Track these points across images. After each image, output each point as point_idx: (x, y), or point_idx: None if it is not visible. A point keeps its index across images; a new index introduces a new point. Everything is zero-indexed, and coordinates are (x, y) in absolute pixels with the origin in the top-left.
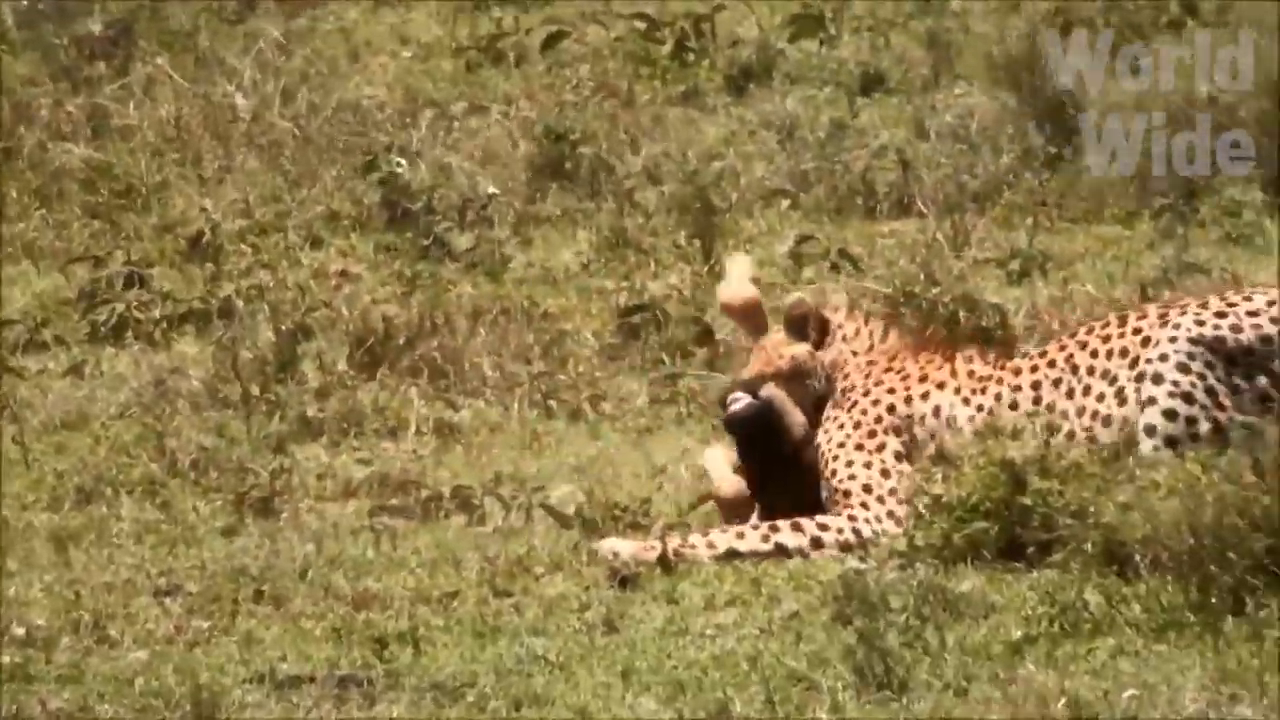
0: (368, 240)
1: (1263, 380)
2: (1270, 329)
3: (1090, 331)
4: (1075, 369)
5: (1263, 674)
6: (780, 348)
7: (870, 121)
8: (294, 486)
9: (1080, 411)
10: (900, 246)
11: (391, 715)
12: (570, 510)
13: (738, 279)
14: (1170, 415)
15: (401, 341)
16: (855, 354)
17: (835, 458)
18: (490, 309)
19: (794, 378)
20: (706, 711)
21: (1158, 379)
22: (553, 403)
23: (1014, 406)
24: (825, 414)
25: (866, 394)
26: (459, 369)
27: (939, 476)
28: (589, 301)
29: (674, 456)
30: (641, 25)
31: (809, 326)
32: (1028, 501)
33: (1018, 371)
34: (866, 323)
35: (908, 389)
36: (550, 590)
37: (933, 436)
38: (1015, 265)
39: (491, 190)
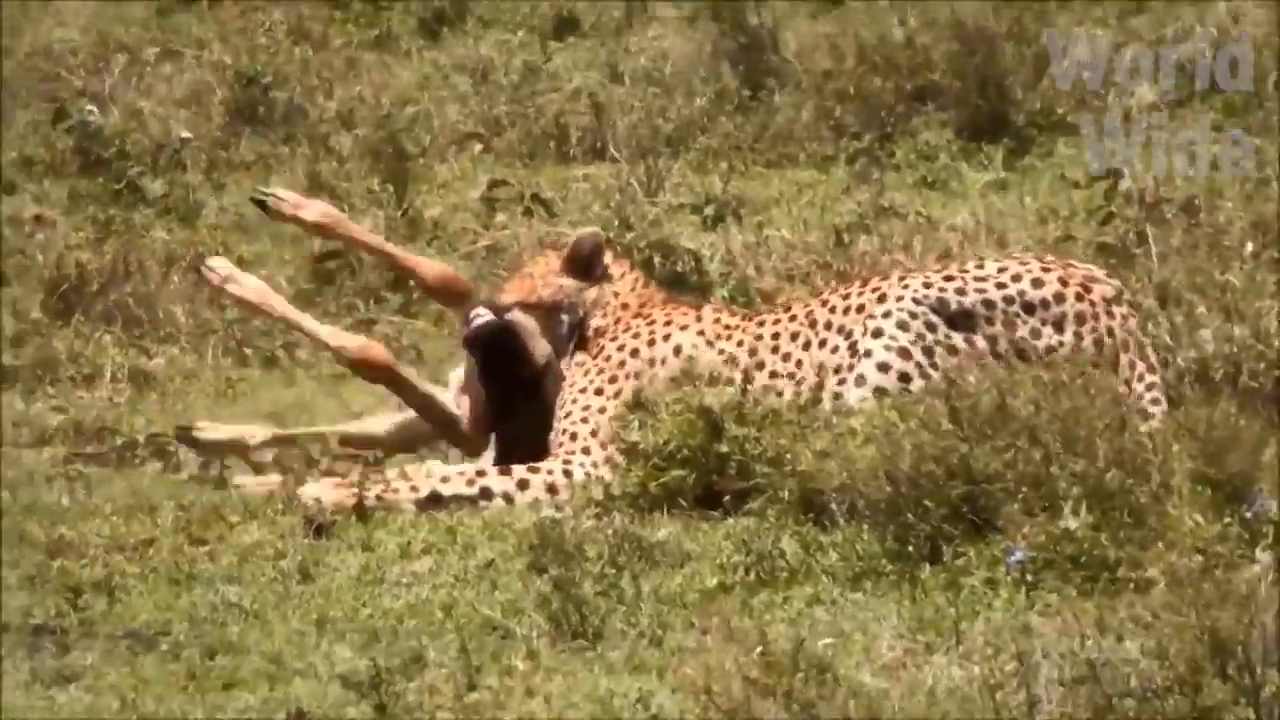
0: (61, 186)
1: (981, 342)
2: (994, 294)
3: (835, 291)
4: (814, 324)
5: (959, 623)
6: (549, 277)
7: (563, 65)
8: None
9: (816, 365)
10: (594, 191)
11: (85, 663)
12: (266, 458)
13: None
14: (883, 368)
15: (95, 288)
16: (616, 295)
17: (573, 400)
18: (184, 255)
19: (551, 310)
20: (402, 659)
21: (877, 333)
22: (247, 350)
23: (753, 353)
24: (574, 358)
25: (614, 339)
26: (153, 316)
27: (636, 424)
28: (283, 247)
29: (369, 403)
30: None
31: (594, 264)
32: (724, 449)
33: (762, 323)
34: (631, 268)
35: (651, 333)
36: (245, 538)
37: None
38: (710, 210)
39: (185, 135)
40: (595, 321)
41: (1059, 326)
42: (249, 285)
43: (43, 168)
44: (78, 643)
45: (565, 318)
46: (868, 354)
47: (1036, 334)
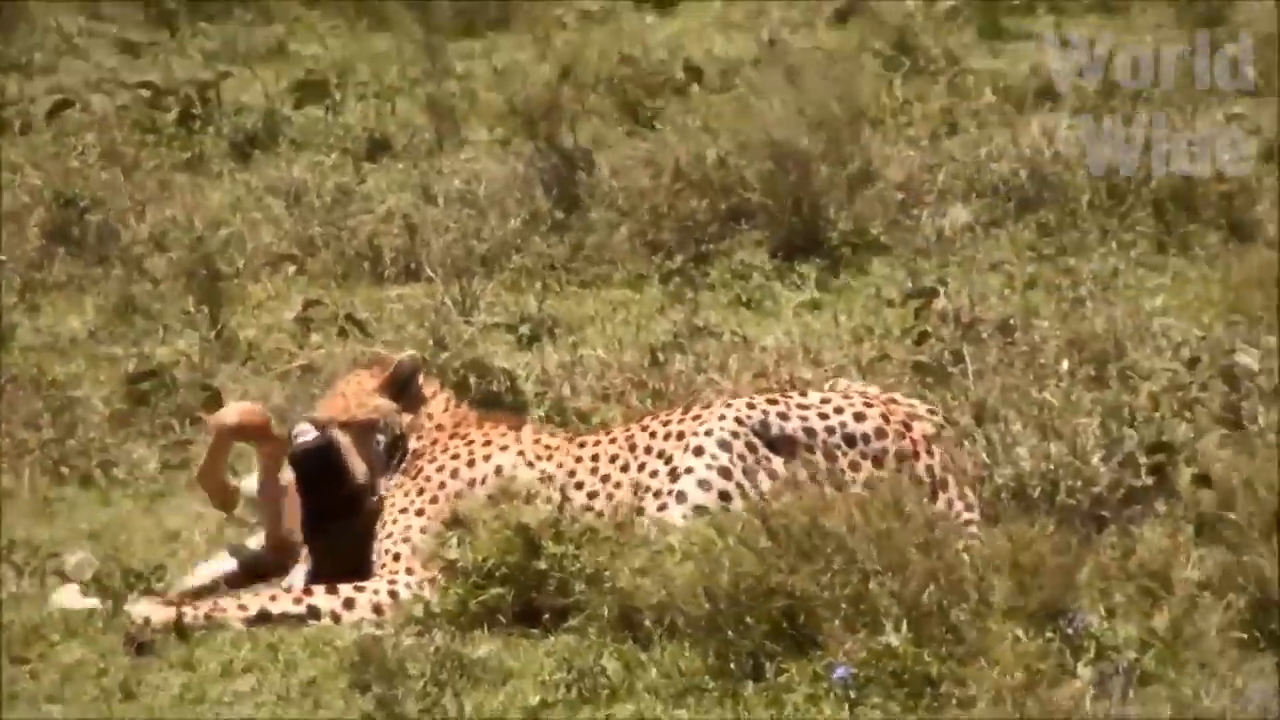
0: None
1: (801, 471)
2: (816, 423)
3: (656, 418)
4: (634, 447)
5: None
6: (363, 397)
7: (377, 186)
8: None
9: (635, 486)
10: (409, 311)
11: None
12: (85, 577)
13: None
14: (704, 485)
15: None
16: (430, 417)
17: (394, 521)
18: None
19: (365, 429)
20: None
21: (699, 451)
22: (64, 469)
23: (572, 474)
24: (392, 479)
25: (432, 460)
26: None
27: (454, 541)
28: (97, 368)
29: (186, 522)
30: (146, 93)
31: (411, 386)
32: (543, 566)
33: (582, 444)
34: (442, 388)
35: (471, 453)
36: (67, 657)
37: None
38: (525, 330)
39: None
40: (413, 444)
41: (879, 462)
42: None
43: None
44: None
45: (381, 437)
46: (689, 471)
47: (856, 467)
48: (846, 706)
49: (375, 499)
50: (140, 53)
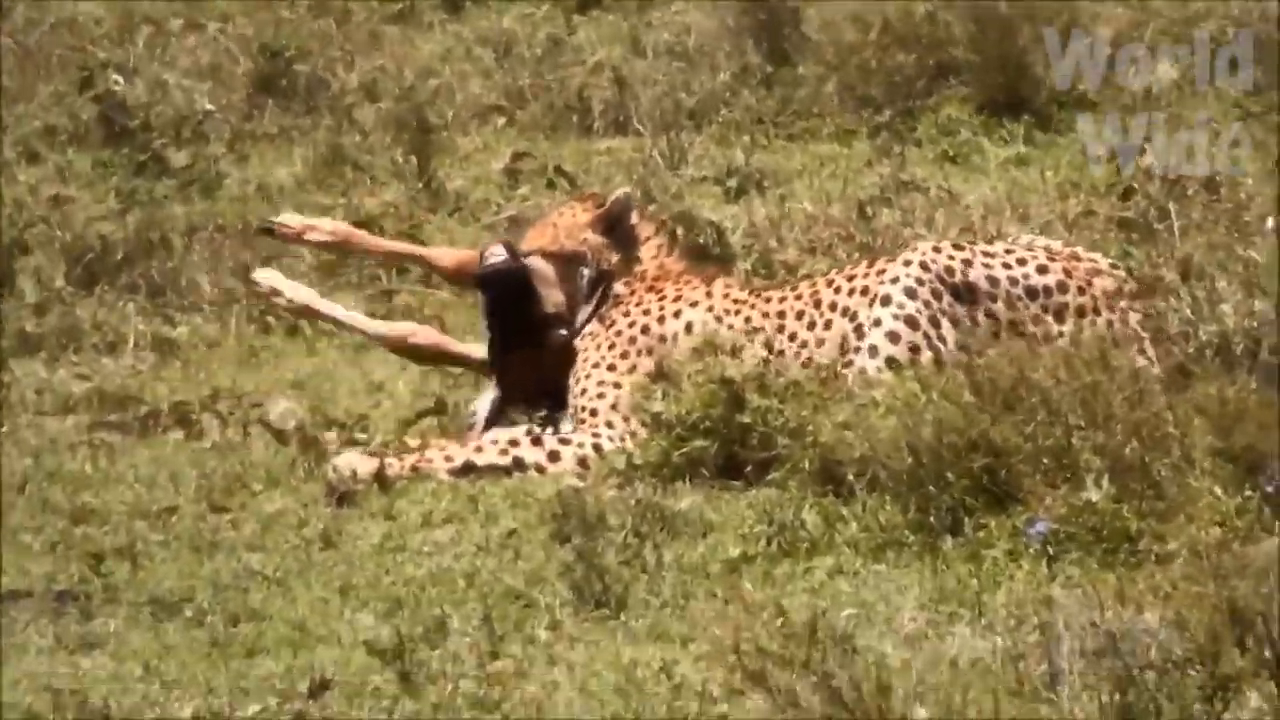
0: (85, 156)
1: (982, 317)
2: (1000, 272)
3: (841, 271)
4: (819, 303)
5: (981, 594)
6: (574, 230)
7: (587, 39)
8: (12, 402)
9: (819, 343)
10: (617, 164)
11: (108, 630)
12: (288, 426)
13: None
14: (893, 338)
15: (119, 258)
16: (639, 260)
17: (587, 375)
18: (206, 225)
19: (570, 261)
20: (424, 628)
21: (885, 300)
22: (270, 319)
23: (760, 331)
24: (587, 327)
25: (626, 314)
26: (176, 285)
27: (658, 394)
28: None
29: (391, 373)
30: None
31: (623, 224)
32: (746, 419)
33: (769, 300)
34: (658, 232)
35: (661, 309)
36: (268, 506)
37: None
38: (732, 183)
39: (208, 107)
40: (617, 288)
41: (1059, 316)
42: (295, 294)
43: (66, 138)
44: (101, 609)
45: (585, 271)
46: (877, 323)
47: (1037, 320)
48: (1044, 562)
49: (566, 332)
50: None
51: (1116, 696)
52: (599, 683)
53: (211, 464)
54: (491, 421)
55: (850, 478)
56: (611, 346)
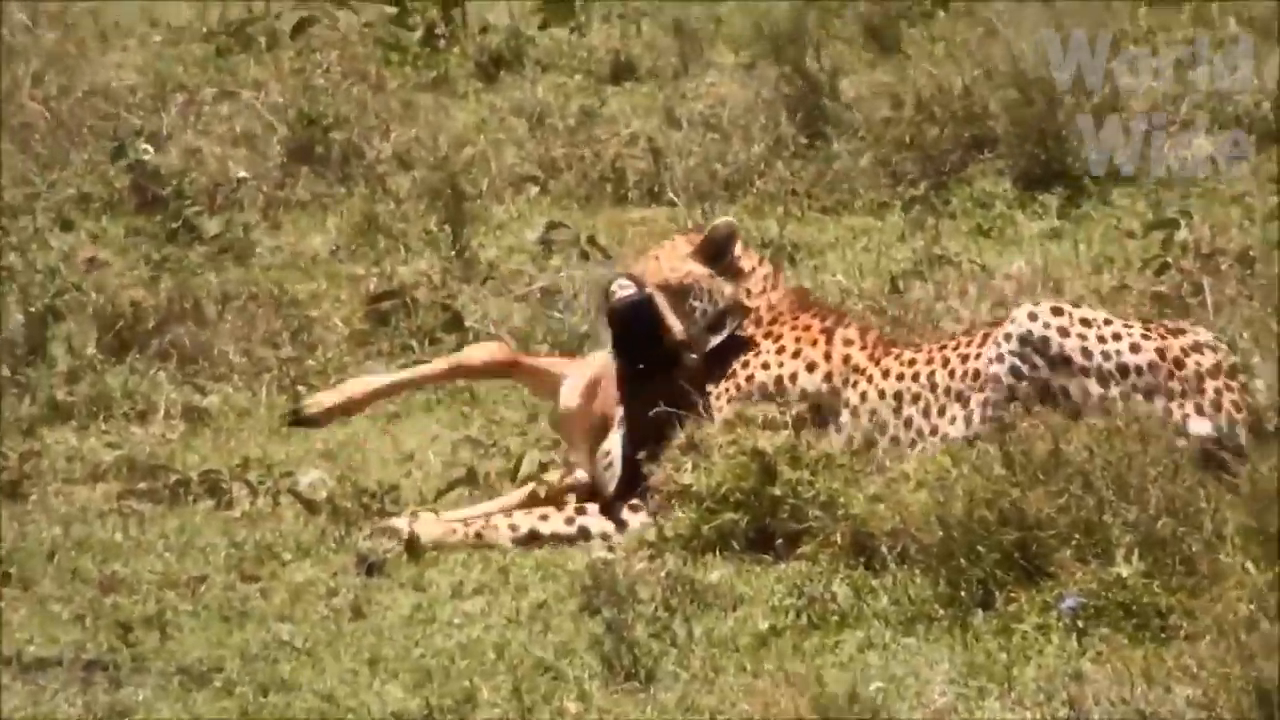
0: (117, 223)
1: (1074, 389)
2: (1094, 345)
3: (956, 348)
4: (934, 387)
5: (1011, 668)
6: (676, 261)
7: (620, 109)
8: (43, 469)
9: (933, 431)
10: (650, 235)
11: (137, 700)
12: (318, 496)
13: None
14: (997, 421)
15: (150, 326)
16: (749, 294)
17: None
18: (239, 294)
19: (679, 294)
20: (454, 700)
21: (995, 382)
22: (301, 388)
23: (873, 414)
24: (712, 375)
25: (746, 365)
26: (207, 354)
27: (689, 465)
28: (338, 287)
29: (422, 443)
30: (392, 10)
31: (727, 252)
32: (777, 492)
33: (886, 374)
34: (761, 263)
35: (780, 366)
36: (297, 576)
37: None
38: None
39: (241, 175)
40: (747, 329)
41: (1149, 396)
42: (353, 389)
43: (100, 205)
44: (130, 679)
45: (696, 304)
46: (984, 404)
47: (1126, 397)
48: (1074, 636)
49: (695, 358)
50: None
51: None
52: None
53: (241, 533)
54: (627, 458)
55: (882, 550)
56: (730, 401)
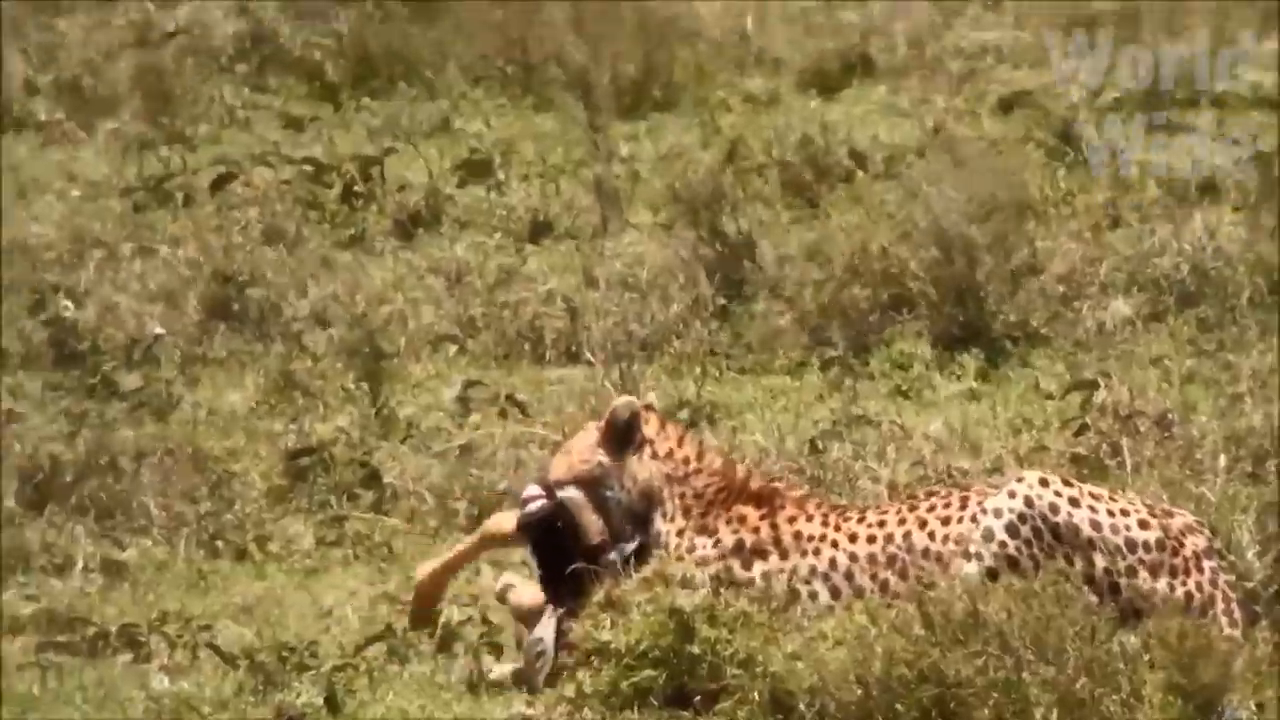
0: (35, 378)
1: (1080, 561)
2: (1104, 518)
3: (932, 509)
4: (911, 549)
5: None
6: (587, 453)
7: (539, 268)
8: None
9: (911, 595)
10: (569, 393)
11: None
12: (236, 650)
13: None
14: (992, 575)
15: (69, 479)
16: (670, 477)
17: None
18: (157, 449)
19: (591, 485)
20: None
21: (988, 536)
22: (219, 543)
23: (850, 577)
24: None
25: (715, 535)
26: (126, 508)
27: (607, 622)
28: (256, 443)
29: (341, 598)
30: (310, 169)
31: (633, 433)
32: (695, 650)
33: (853, 538)
34: (681, 444)
35: (720, 560)
36: None
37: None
38: (684, 415)
39: (159, 331)
40: (658, 519)
41: (1154, 573)
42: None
43: (18, 360)
44: None
45: (609, 494)
46: (978, 558)
47: (1133, 572)
48: None
49: (614, 557)
50: (304, 127)
51: None
52: None
53: (159, 686)
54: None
55: (801, 708)
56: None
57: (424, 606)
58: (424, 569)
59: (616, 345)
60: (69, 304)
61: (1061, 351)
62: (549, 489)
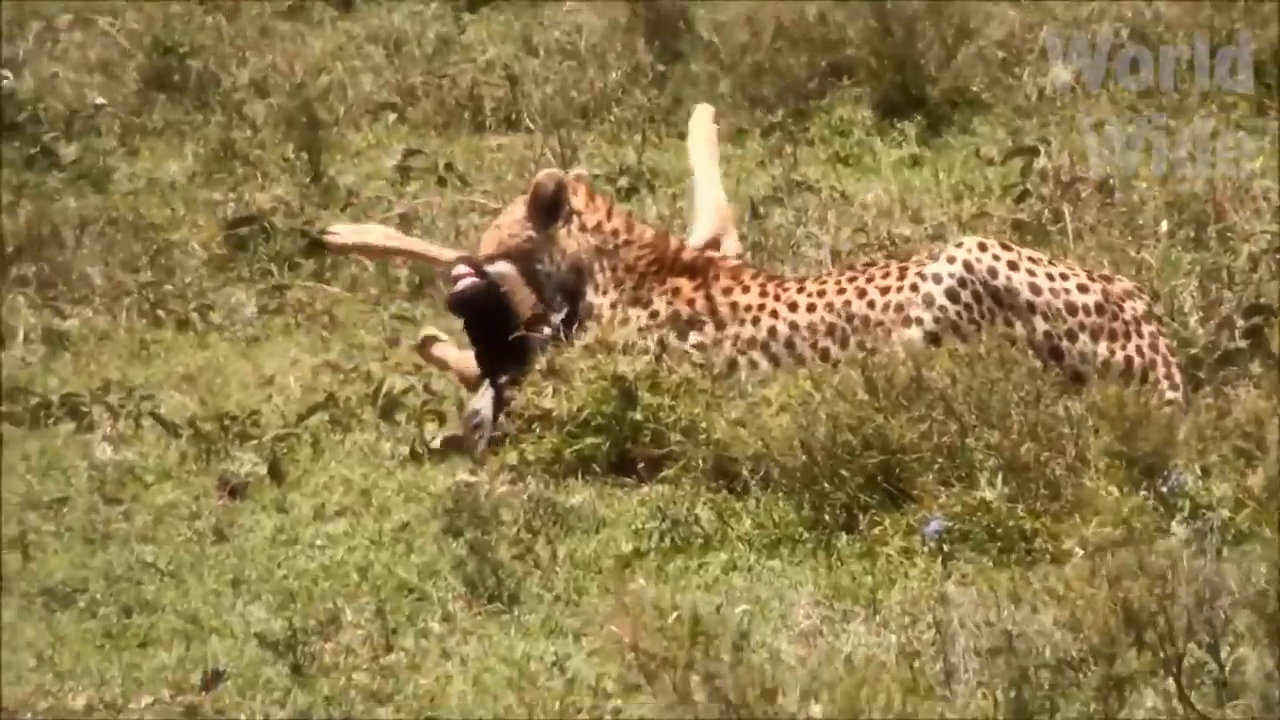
0: None
1: (1020, 325)
2: (1043, 282)
3: (870, 279)
4: (851, 318)
5: (876, 591)
6: (514, 227)
7: (477, 37)
8: None
9: (852, 363)
10: (508, 161)
11: (1, 621)
12: (179, 419)
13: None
14: (934, 339)
15: (9, 251)
16: (599, 250)
17: None
18: (97, 219)
19: (522, 259)
20: (317, 620)
21: (928, 301)
22: (161, 312)
23: (790, 346)
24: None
25: (665, 301)
26: (67, 278)
27: (549, 390)
28: (196, 212)
29: (283, 367)
30: None
31: (560, 206)
32: (638, 417)
33: (793, 307)
34: (610, 216)
35: (661, 329)
36: (160, 499)
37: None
38: (624, 181)
39: (99, 101)
40: (590, 293)
41: (1095, 336)
42: (371, 234)
43: None
44: None
45: (540, 268)
46: (918, 322)
47: (1073, 336)
48: (939, 560)
49: (549, 331)
50: None
51: (1011, 694)
52: (492, 676)
53: (102, 456)
54: (496, 418)
55: (744, 474)
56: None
57: (357, 253)
58: (391, 237)
59: (555, 113)
60: (8, 74)
61: (1002, 118)
62: (477, 266)
